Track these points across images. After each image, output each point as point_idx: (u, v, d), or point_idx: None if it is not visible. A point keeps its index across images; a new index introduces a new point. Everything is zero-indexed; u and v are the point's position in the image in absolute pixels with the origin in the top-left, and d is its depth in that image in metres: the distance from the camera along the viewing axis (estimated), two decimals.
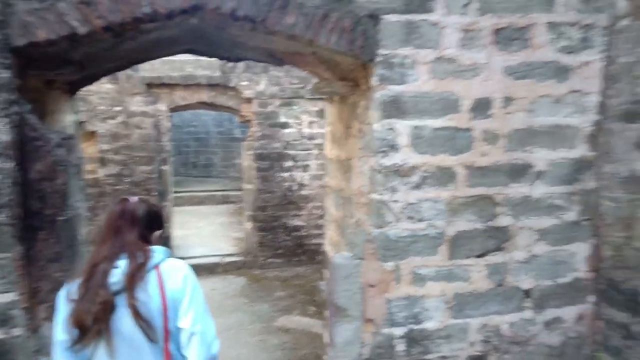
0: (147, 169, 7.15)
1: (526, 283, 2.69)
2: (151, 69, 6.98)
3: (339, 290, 2.59)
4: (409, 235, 2.54)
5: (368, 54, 2.46)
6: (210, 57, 3.44)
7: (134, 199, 1.73)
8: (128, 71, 6.89)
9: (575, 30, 2.62)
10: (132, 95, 7.08)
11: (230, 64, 7.19)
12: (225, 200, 12.32)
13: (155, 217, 1.77)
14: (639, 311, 2.48)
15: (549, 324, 2.73)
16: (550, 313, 2.72)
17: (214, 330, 1.65)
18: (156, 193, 7.16)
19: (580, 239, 2.73)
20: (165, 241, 1.83)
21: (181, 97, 7.43)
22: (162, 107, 7.30)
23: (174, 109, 7.70)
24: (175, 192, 10.66)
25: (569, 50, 2.62)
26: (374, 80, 2.49)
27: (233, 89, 7.41)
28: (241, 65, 7.27)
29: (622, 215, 2.58)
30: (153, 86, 7.17)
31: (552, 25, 2.59)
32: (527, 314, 2.69)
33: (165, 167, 7.40)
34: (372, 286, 2.52)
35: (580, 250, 2.74)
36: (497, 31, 2.54)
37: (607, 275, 2.68)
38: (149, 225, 1.72)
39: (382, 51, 2.46)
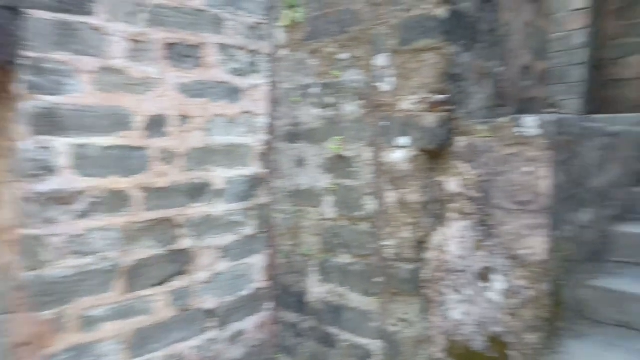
0: None
1: (210, 302, 2.67)
2: None
3: None
4: (75, 273, 2.15)
5: (7, 54, 1.97)
6: None
7: None
8: None
9: (244, 55, 2.75)
10: None
11: None
12: None
13: None
14: (304, 310, 2.79)
15: (233, 338, 2.79)
16: (233, 327, 2.79)
17: None
18: None
19: (257, 251, 2.90)
20: None
21: None
22: None
23: None
24: None
25: (239, 73, 2.74)
26: (19, 88, 2.01)
27: None
28: None
29: (290, 225, 2.86)
30: None
31: (223, 47, 2.65)
32: (212, 333, 2.68)
33: None
34: (25, 344, 2.02)
35: (258, 261, 2.91)
36: (169, 46, 2.43)
37: (281, 282, 2.93)
38: None
39: (30, 53, 2.01)
